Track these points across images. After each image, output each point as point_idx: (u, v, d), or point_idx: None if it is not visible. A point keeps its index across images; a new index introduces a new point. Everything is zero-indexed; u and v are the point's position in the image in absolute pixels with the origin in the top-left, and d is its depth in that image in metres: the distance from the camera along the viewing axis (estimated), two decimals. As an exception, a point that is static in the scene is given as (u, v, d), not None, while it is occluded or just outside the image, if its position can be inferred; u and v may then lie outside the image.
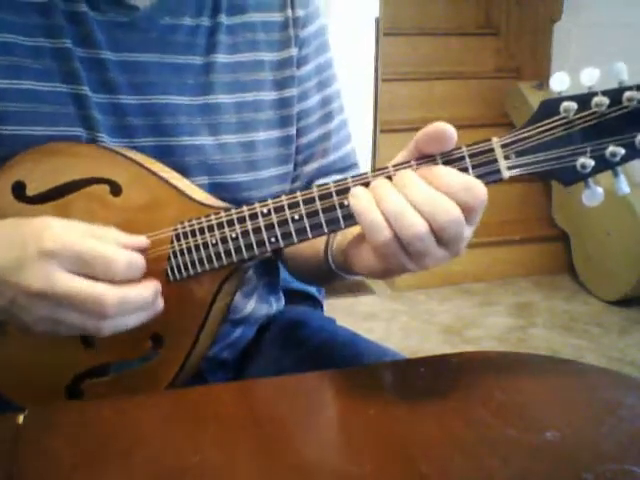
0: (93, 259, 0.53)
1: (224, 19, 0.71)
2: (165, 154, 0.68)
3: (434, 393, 0.56)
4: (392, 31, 3.20)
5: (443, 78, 3.38)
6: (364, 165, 0.80)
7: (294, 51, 0.74)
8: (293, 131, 0.75)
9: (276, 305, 0.86)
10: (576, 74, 0.49)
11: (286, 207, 0.56)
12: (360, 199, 0.51)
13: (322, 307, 0.95)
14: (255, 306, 0.80)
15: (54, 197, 0.63)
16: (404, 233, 0.49)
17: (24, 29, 0.64)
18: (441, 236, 0.49)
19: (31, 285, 0.52)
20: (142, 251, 0.57)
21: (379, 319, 2.55)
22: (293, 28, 0.74)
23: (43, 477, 0.47)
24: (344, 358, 0.75)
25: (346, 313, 2.55)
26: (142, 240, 0.58)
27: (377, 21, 2.70)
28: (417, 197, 0.49)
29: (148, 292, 0.56)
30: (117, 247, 0.54)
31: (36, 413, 0.55)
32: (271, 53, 0.73)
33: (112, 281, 0.53)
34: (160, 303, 0.58)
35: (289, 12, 0.74)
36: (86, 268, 0.53)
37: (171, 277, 0.61)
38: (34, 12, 0.64)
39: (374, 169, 0.53)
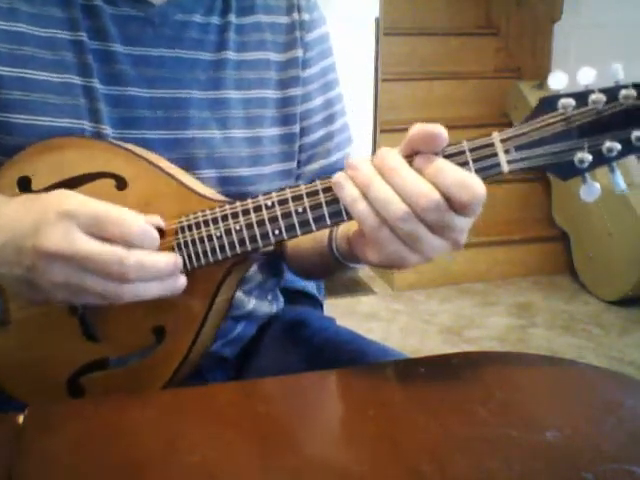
0: (110, 221, 0.53)
1: (233, 19, 0.73)
2: (174, 146, 0.69)
3: (434, 393, 0.56)
4: (392, 31, 3.20)
5: (443, 78, 3.38)
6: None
7: (299, 52, 0.76)
8: (296, 129, 0.77)
9: (276, 304, 0.87)
10: (573, 73, 0.50)
11: (290, 200, 0.56)
12: (345, 189, 0.52)
13: (322, 307, 0.95)
14: (256, 303, 0.81)
15: None
16: (390, 216, 0.50)
17: (39, 20, 0.65)
18: (425, 220, 0.50)
19: (50, 246, 0.52)
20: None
21: (379, 319, 2.55)
22: (299, 31, 0.76)
23: (43, 477, 0.47)
24: (346, 357, 0.75)
25: (346, 313, 2.55)
26: (157, 218, 0.59)
27: (377, 21, 2.71)
28: (398, 180, 0.51)
29: (166, 260, 0.56)
30: (133, 214, 0.55)
31: (36, 413, 0.55)
32: (277, 54, 0.75)
33: (128, 245, 0.54)
34: (182, 280, 0.58)
35: (295, 16, 0.76)
36: (103, 231, 0.53)
37: None
38: (53, 4, 0.66)
39: None
